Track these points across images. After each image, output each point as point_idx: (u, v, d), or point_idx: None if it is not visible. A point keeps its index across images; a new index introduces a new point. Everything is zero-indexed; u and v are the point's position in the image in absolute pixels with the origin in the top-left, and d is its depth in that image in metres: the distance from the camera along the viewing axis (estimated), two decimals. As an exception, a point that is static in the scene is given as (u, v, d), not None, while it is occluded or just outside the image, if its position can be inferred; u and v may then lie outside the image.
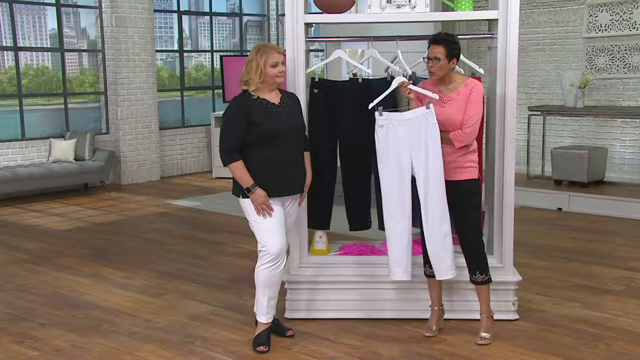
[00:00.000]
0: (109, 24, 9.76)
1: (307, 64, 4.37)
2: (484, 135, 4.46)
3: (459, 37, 4.04)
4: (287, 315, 4.41)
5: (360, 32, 5.52)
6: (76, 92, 10.11)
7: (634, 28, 8.51)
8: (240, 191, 3.89)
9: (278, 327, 4.14)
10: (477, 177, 4.00)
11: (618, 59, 8.70)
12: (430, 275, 4.11)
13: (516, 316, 4.39)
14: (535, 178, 8.65)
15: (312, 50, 8.01)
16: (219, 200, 8.61)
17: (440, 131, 3.86)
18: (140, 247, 6.44)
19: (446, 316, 4.28)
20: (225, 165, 3.86)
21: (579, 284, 5.15)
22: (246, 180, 3.80)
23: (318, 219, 4.53)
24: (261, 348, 3.94)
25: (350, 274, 4.41)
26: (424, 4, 4.18)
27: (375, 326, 4.29)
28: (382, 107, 3.92)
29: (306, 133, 4.12)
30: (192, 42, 11.78)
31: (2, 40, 9.12)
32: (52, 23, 9.70)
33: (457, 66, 3.99)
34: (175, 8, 11.04)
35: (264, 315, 3.99)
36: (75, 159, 9.15)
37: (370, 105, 3.98)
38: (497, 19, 4.19)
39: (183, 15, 11.20)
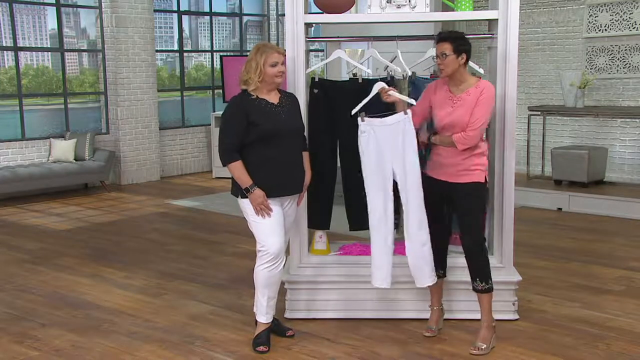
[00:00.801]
0: (109, 24, 9.75)
1: (307, 64, 4.37)
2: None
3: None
4: (287, 315, 4.41)
5: (360, 32, 5.51)
6: (76, 92, 10.11)
7: (634, 28, 8.50)
8: (239, 191, 3.88)
9: (278, 327, 4.14)
10: (483, 181, 3.92)
11: (618, 59, 8.69)
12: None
13: (516, 316, 4.39)
14: (535, 178, 8.65)
15: (312, 50, 8.00)
16: (219, 200, 8.61)
17: (445, 134, 3.86)
18: (140, 247, 6.44)
19: (446, 316, 4.27)
20: (224, 165, 3.85)
21: (579, 284, 5.15)
22: (245, 180, 3.80)
23: (318, 219, 4.53)
24: (261, 348, 3.94)
25: (350, 274, 4.40)
26: (424, 4, 4.18)
27: (375, 326, 4.29)
28: (364, 113, 3.92)
29: (305, 133, 4.12)
30: (192, 42, 11.78)
31: (2, 40, 9.13)
32: (52, 23, 9.70)
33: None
34: (175, 8, 11.04)
35: (263, 315, 3.99)
36: (75, 159, 9.15)
37: (353, 111, 3.98)
38: (497, 19, 4.19)
39: (183, 15, 11.20)
